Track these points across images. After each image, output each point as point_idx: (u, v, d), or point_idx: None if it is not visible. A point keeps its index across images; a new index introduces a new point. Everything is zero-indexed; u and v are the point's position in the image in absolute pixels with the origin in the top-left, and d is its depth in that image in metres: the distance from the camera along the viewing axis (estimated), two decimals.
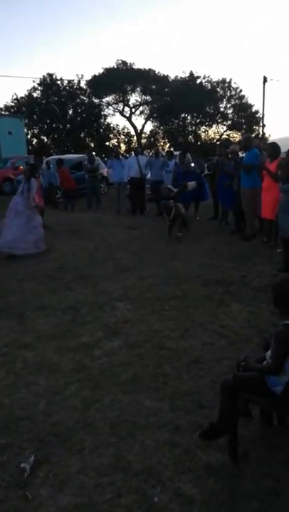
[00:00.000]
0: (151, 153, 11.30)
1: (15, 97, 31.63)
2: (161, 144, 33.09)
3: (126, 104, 33.15)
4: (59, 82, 31.50)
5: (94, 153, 21.40)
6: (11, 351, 3.62)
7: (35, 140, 32.02)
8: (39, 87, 31.16)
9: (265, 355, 2.19)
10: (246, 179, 6.77)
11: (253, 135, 29.85)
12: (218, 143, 28.99)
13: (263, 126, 30.93)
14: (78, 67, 71.52)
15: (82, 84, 31.98)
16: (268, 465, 2.20)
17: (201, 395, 2.81)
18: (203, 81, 32.16)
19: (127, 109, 33.48)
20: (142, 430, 2.52)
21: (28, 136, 30.02)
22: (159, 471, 2.20)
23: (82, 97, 32.25)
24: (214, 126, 33.48)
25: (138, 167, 10.53)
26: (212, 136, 33.75)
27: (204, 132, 33.94)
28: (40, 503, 2.04)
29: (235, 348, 3.44)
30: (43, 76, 31.25)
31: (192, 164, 10.29)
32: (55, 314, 4.42)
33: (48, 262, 6.45)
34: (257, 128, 32.11)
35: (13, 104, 31.49)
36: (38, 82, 31.08)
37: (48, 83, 31.14)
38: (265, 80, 28.48)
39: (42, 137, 32.76)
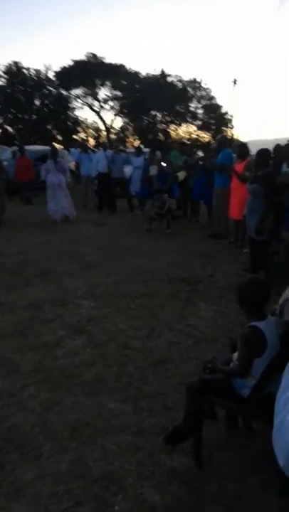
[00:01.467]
0: (115, 150, 11.11)
1: None
2: (131, 140, 32.91)
3: (95, 98, 32.69)
4: (25, 71, 30.55)
5: (62, 146, 20.98)
6: None
7: None
8: (4, 75, 30.07)
9: (231, 357, 2.14)
10: (218, 179, 6.85)
11: None
12: (187, 142, 29.30)
13: (232, 127, 31.50)
14: (46, 57, 69.45)
15: (50, 75, 31.22)
16: (232, 468, 2.15)
17: (166, 397, 2.74)
18: (174, 80, 32.27)
19: (96, 103, 33.04)
20: (104, 434, 2.41)
21: None
22: (120, 476, 2.10)
23: (49, 88, 31.44)
24: (184, 125, 33.70)
25: (106, 162, 10.36)
26: (182, 135, 33.95)
27: (174, 131, 34.08)
28: None
29: (202, 347, 3.40)
30: (9, 64, 30.23)
31: (164, 164, 10.27)
32: (14, 312, 4.21)
33: (7, 257, 6.18)
34: (226, 129, 32.62)
35: None
36: (3, 69, 30.01)
37: (14, 71, 30.13)
38: (235, 82, 28.98)
39: (6, 127, 31.67)
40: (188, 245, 6.87)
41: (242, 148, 6.24)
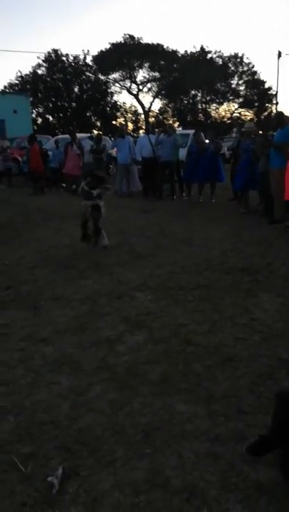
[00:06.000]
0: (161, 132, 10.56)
1: (19, 74, 30.80)
2: (170, 122, 32.26)
3: (133, 81, 32.27)
4: (64, 58, 30.58)
5: (100, 132, 20.90)
6: (28, 346, 3.39)
7: (40, 119, 31.32)
8: (44, 64, 30.27)
9: None
10: (275, 159, 6.43)
11: (266, 113, 29.03)
12: (228, 121, 28.28)
13: (277, 103, 29.93)
14: (84, 42, 69.14)
15: (88, 60, 31.07)
16: None
17: (240, 399, 2.57)
18: (214, 56, 31.06)
19: (134, 86, 32.65)
20: (178, 439, 2.29)
21: (33, 115, 29.39)
22: (202, 488, 1.98)
23: (88, 74, 31.34)
24: (225, 103, 32.49)
25: (150, 146, 10.13)
26: (223, 114, 32.83)
27: (215, 110, 33.01)
28: None
29: (271, 344, 3.19)
30: (48, 52, 30.34)
31: (206, 140, 9.95)
32: (71, 305, 4.18)
33: (59, 249, 6.20)
34: (270, 105, 31.12)
35: (17, 81, 30.71)
36: (43, 58, 30.19)
37: (53, 59, 30.23)
38: (279, 54, 27.43)
39: (47, 116, 32.02)
40: (240, 231, 6.58)
41: None
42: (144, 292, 4.40)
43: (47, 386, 2.85)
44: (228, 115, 31.86)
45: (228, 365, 2.96)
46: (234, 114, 31.33)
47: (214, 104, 32.49)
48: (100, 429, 2.41)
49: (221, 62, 30.66)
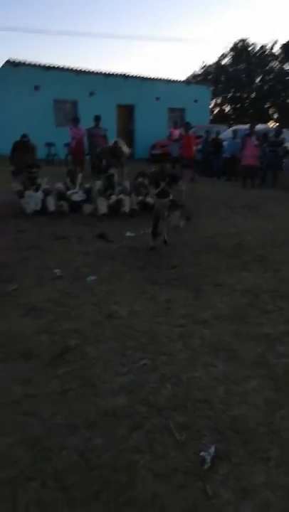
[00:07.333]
0: None
1: (204, 64, 31.49)
2: None
3: None
4: (250, 48, 29.90)
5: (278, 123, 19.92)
6: (188, 324, 3.53)
7: (217, 109, 31.59)
8: (230, 54, 30.19)
9: None
10: None
11: None
12: None
13: None
14: (275, 31, 65.76)
15: (276, 49, 29.67)
16: None
17: None
18: None
19: None
20: None
21: (211, 106, 29.81)
22: None
23: (273, 64, 30.03)
24: None
25: None
26: None
27: None
28: (221, 506, 1.86)
29: None
30: (235, 42, 30.12)
31: None
32: (232, 294, 4.17)
33: (225, 237, 6.22)
34: None
35: (200, 72, 31.47)
36: (230, 48, 30.13)
37: (239, 49, 29.89)
38: None
39: (223, 107, 32.07)
40: None
41: None
42: None
43: (204, 366, 2.92)
44: None
45: None
46: None
47: None
48: (253, 423, 2.37)
49: None
